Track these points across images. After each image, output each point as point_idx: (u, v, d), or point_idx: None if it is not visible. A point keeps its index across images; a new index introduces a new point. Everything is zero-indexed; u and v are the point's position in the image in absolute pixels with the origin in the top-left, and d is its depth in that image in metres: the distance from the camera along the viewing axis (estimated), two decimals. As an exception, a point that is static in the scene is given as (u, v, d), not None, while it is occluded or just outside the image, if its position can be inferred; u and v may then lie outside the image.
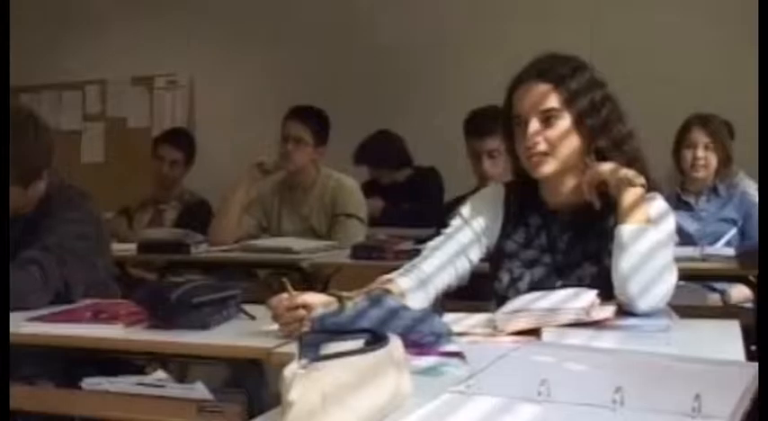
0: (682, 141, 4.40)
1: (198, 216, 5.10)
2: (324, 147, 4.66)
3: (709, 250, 3.81)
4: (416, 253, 3.64)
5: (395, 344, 1.46)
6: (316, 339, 1.44)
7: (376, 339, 1.47)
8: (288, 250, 4.19)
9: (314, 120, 4.67)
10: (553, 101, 2.32)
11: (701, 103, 4.68)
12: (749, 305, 3.93)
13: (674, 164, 4.40)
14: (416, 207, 5.72)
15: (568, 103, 2.33)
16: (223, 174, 5.93)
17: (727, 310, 3.87)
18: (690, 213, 4.28)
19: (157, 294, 2.35)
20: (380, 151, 6.05)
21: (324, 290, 2.36)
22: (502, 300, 2.37)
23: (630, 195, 2.25)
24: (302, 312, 2.08)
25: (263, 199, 4.73)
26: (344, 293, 2.05)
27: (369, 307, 1.87)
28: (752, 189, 4.74)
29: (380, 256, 3.88)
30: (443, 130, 5.97)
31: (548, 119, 2.33)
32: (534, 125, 2.32)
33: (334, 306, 1.95)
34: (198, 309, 2.29)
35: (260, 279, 4.59)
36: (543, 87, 2.33)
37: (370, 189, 5.03)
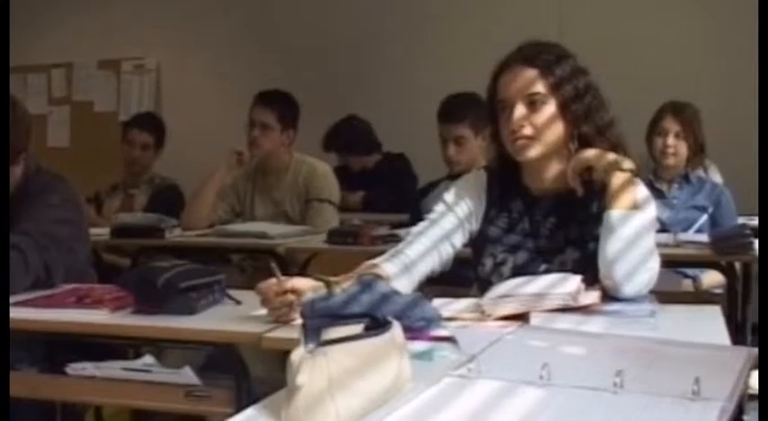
0: (654, 129, 4.43)
1: (168, 200, 5.08)
2: (292, 131, 4.62)
3: (683, 237, 3.87)
4: (392, 238, 3.76)
5: (396, 328, 1.47)
6: (317, 324, 1.45)
7: (376, 324, 1.49)
8: (263, 235, 4.18)
9: (281, 104, 4.63)
10: (539, 86, 2.34)
11: (673, 91, 4.72)
12: (719, 291, 4.00)
13: (648, 151, 4.46)
14: (386, 192, 5.79)
15: (554, 88, 2.34)
16: (190, 158, 5.92)
17: (699, 296, 3.94)
18: (662, 201, 4.31)
19: (144, 279, 2.34)
20: (349, 137, 6.07)
21: (300, 275, 2.37)
22: (485, 284, 2.40)
23: (619, 179, 2.27)
24: (291, 297, 2.08)
25: (236, 184, 4.71)
26: (331, 278, 2.01)
27: (360, 291, 1.85)
28: (717, 177, 4.83)
29: (356, 241, 3.88)
30: (413, 117, 6.01)
31: (533, 103, 2.34)
32: (520, 109, 2.34)
33: (323, 291, 1.91)
34: (185, 293, 2.29)
35: (233, 263, 4.56)
36: (529, 72, 2.35)
37: (340, 175, 5.04)
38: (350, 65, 6.94)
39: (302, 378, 1.30)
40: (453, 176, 4.05)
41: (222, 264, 4.41)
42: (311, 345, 1.36)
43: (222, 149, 4.73)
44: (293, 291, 2.09)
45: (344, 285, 1.94)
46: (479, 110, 3.68)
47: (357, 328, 1.47)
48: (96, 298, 2.45)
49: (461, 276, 2.84)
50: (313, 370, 1.31)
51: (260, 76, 6.33)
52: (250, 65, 7.15)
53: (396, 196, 5.57)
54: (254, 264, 4.47)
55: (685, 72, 5.93)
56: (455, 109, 4.10)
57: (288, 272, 2.18)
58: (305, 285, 2.09)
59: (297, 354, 1.34)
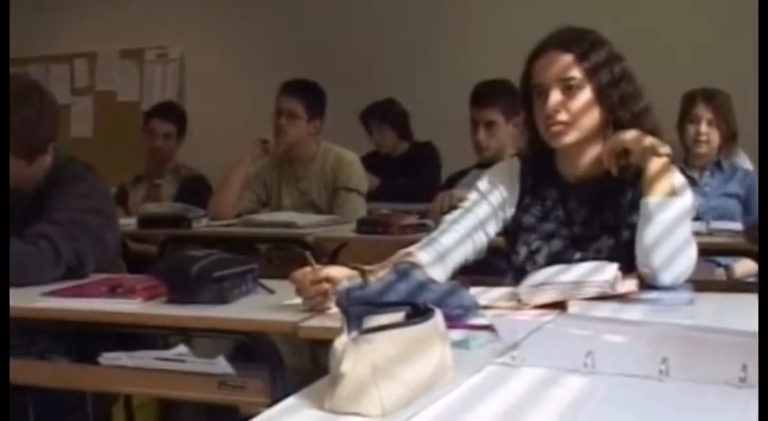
0: (685, 116, 4.40)
1: (196, 191, 5.07)
2: (319, 120, 4.64)
3: (715, 225, 3.85)
4: (422, 227, 3.76)
5: (438, 316, 1.47)
6: (359, 311, 1.45)
7: (417, 312, 1.49)
8: (291, 224, 4.18)
9: (308, 93, 4.65)
10: (575, 71, 2.33)
11: (700, 77, 4.68)
12: (752, 279, 3.98)
13: (679, 139, 4.43)
14: (413, 182, 5.82)
15: (590, 74, 2.33)
16: (215, 148, 5.93)
17: (731, 285, 3.92)
18: (694, 189, 4.27)
19: (177, 268, 2.35)
20: (388, 112, 6.25)
21: (331, 265, 2.37)
22: (520, 273, 2.39)
23: (656, 165, 2.25)
24: (326, 286, 2.08)
25: (263, 173, 4.72)
26: (366, 267, 2.00)
27: (396, 280, 1.85)
28: (747, 164, 4.79)
29: (386, 231, 3.87)
30: (441, 106, 6.01)
31: (569, 89, 2.33)
32: (556, 95, 2.33)
33: (358, 280, 1.90)
34: (218, 283, 2.29)
35: (260, 254, 4.58)
36: (566, 58, 2.34)
37: (367, 164, 5.05)
38: (377, 54, 6.93)
39: (346, 365, 1.31)
40: (483, 165, 4.07)
41: (249, 254, 4.42)
42: (354, 333, 1.36)
43: (248, 139, 4.75)
44: (328, 280, 2.09)
45: (380, 274, 1.94)
46: (511, 97, 3.70)
47: (398, 316, 1.47)
48: (129, 287, 2.45)
49: (494, 265, 2.83)
50: (357, 357, 1.31)
51: (286, 64, 6.33)
52: (276, 54, 7.15)
53: (418, 185, 5.59)
54: (282, 254, 4.47)
55: (714, 58, 5.91)
56: (488, 93, 4.10)
57: (318, 261, 2.18)
58: (340, 274, 2.08)
59: (340, 342, 1.34)
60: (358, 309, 1.47)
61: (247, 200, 4.67)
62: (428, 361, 1.40)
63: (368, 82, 6.75)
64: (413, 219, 3.99)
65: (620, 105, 2.36)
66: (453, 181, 4.40)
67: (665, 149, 2.28)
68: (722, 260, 4.12)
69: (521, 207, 2.50)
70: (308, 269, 2.13)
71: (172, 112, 5.55)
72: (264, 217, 4.43)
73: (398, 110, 6.35)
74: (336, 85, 5.15)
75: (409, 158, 6.20)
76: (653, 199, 2.23)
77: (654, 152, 2.27)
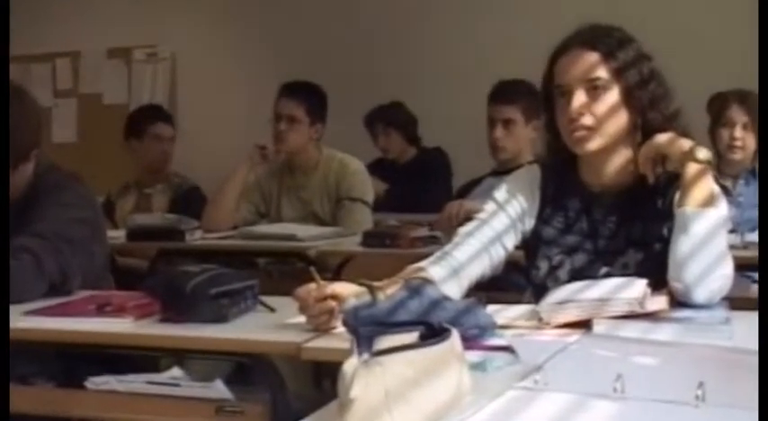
0: (718, 120, 4.36)
1: (191, 204, 5.02)
2: (321, 125, 4.65)
3: (751, 237, 3.82)
4: (433, 240, 3.76)
5: (455, 336, 1.47)
6: (370, 332, 1.44)
7: (432, 332, 1.48)
8: (292, 237, 4.19)
9: (309, 96, 4.66)
10: (601, 71, 2.32)
11: (726, 78, 4.70)
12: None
13: (711, 144, 4.36)
14: (422, 190, 5.81)
15: (617, 74, 2.32)
16: (208, 155, 5.92)
17: (769, 302, 3.89)
18: (728, 198, 4.24)
19: (171, 284, 2.34)
20: (395, 116, 6.26)
21: (335, 280, 2.37)
22: (540, 289, 2.39)
23: (693, 170, 2.22)
24: (332, 303, 2.08)
25: (262, 182, 4.73)
26: (375, 283, 2.03)
27: (407, 297, 1.84)
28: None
29: (394, 244, 3.87)
30: (452, 108, 6.01)
31: (594, 90, 2.32)
32: (580, 97, 2.32)
33: (367, 297, 1.95)
34: (215, 300, 2.28)
35: (259, 268, 4.56)
36: (591, 57, 2.33)
37: (373, 171, 5.06)
38: (383, 54, 6.91)
39: (357, 390, 1.30)
40: (498, 173, 4.08)
41: (248, 269, 4.42)
42: (364, 355, 1.36)
43: (244, 145, 4.75)
44: (334, 297, 2.08)
45: (390, 291, 1.98)
46: (532, 97, 3.75)
47: (411, 337, 1.46)
48: (118, 305, 2.44)
49: (512, 281, 2.83)
50: (368, 381, 1.31)
51: (285, 65, 6.30)
52: (274, 54, 7.13)
53: (427, 194, 5.57)
54: (282, 268, 4.48)
55: (745, 58, 5.88)
56: (507, 90, 4.16)
57: (322, 277, 2.18)
58: (347, 291, 2.08)
59: (350, 365, 1.33)
60: (368, 329, 1.45)
61: (245, 210, 4.67)
62: (444, 385, 1.39)
63: (372, 84, 6.72)
64: (423, 232, 3.98)
65: (651, 107, 2.35)
66: (466, 190, 4.41)
67: (705, 154, 2.25)
68: (757, 275, 4.09)
69: (541, 218, 2.49)
70: (312, 285, 2.12)
71: (161, 115, 5.51)
72: (263, 228, 4.45)
73: (405, 113, 6.36)
74: (339, 87, 5.15)
75: (417, 165, 6.19)
76: (689, 208, 2.20)
77: (692, 157, 2.24)
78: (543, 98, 2.48)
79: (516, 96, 4.11)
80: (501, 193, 2.52)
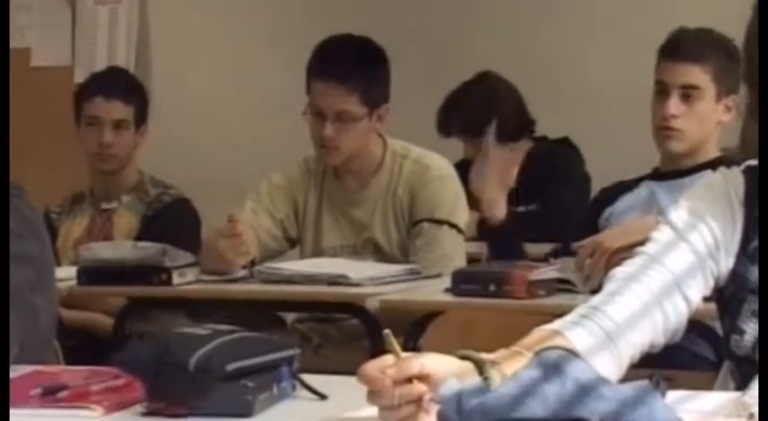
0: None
1: (176, 225, 4.70)
2: (385, 106, 4.19)
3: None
4: (564, 283, 3.62)
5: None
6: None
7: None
8: (340, 279, 3.82)
9: (363, 68, 4.18)
10: None
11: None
12: None
13: None
14: (540, 204, 5.35)
15: None
16: (192, 146, 5.83)
17: None
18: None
19: (164, 357, 2.11)
20: (481, 109, 5.65)
21: (413, 348, 2.32)
22: (746, 366, 2.25)
23: None
24: (420, 387, 1.93)
25: (292, 189, 4.26)
26: (484, 355, 1.97)
27: (541, 379, 1.77)
28: None
29: (503, 291, 3.63)
30: (579, 76, 5.91)
31: None
32: None
33: (475, 377, 1.92)
34: (234, 381, 2.08)
35: (287, 328, 4.23)
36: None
37: (462, 176, 4.91)
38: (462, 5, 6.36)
39: None
40: (665, 174, 3.96)
41: (270, 328, 4.25)
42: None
43: (252, 137, 4.66)
44: (423, 378, 1.94)
45: (510, 367, 1.94)
46: (727, 58, 3.59)
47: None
48: (78, 391, 2.17)
49: (696, 352, 2.79)
50: None
51: (307, 12, 6.03)
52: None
53: (548, 211, 5.28)
54: (327, 329, 4.12)
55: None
56: (690, 42, 3.91)
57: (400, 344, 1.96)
58: (442, 367, 1.93)
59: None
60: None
61: (263, 233, 4.16)
62: None
63: (455, 44, 6.42)
64: (548, 272, 3.63)
65: None
66: (609, 199, 4.11)
67: None
68: None
69: (746, 253, 2.31)
70: (387, 359, 1.96)
71: (125, 86, 5.06)
72: (293, 266, 3.98)
73: (496, 94, 5.71)
74: (404, 45, 4.92)
75: (531, 166, 5.43)
76: None
77: None
78: (744, 65, 2.31)
79: (706, 51, 3.80)
80: (681, 214, 2.34)
